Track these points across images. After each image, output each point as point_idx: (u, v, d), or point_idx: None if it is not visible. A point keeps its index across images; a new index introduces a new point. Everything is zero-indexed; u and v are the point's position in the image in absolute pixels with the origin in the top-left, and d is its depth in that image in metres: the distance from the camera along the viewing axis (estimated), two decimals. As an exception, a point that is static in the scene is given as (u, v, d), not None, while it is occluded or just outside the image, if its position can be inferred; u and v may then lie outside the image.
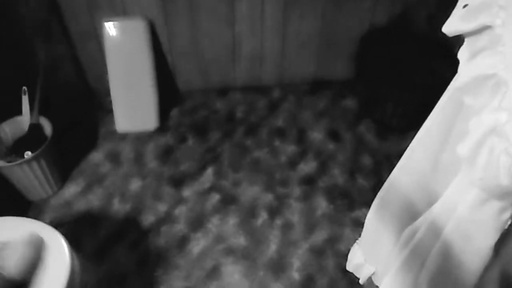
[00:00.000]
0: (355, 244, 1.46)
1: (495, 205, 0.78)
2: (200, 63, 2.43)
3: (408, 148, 1.05)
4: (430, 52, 2.25)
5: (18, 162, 1.79)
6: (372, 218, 1.27)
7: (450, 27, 0.79)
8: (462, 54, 0.81)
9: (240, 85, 2.56)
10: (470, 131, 0.75)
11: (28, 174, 1.86)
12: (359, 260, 1.39)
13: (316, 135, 2.28)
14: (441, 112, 0.91)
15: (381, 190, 1.23)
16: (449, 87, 0.89)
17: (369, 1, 2.28)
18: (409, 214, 1.05)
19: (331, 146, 2.22)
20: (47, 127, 1.95)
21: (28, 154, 1.83)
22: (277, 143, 2.23)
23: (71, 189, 2.02)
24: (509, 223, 0.81)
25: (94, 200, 1.97)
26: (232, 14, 2.24)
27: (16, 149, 1.91)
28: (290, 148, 2.21)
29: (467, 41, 0.81)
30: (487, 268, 0.89)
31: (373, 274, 1.38)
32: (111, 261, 1.74)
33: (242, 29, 2.31)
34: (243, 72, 2.51)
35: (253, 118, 2.38)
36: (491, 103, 0.72)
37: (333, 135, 2.28)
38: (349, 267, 1.48)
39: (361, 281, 1.41)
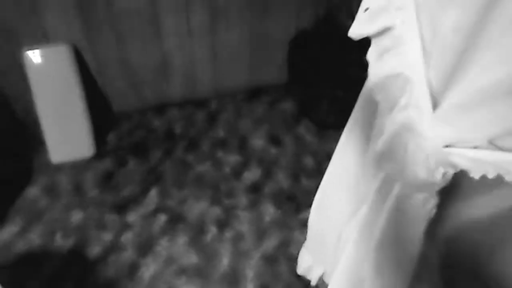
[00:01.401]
0: (302, 248, 1.48)
1: (418, 196, 0.81)
2: (132, 83, 2.39)
3: (336, 149, 1.07)
4: (358, 47, 2.33)
5: None
6: (313, 220, 1.29)
7: (354, 31, 0.82)
8: (370, 55, 0.84)
9: (176, 100, 2.53)
10: (385, 129, 0.78)
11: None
12: (308, 262, 1.40)
13: (258, 142, 2.30)
14: (360, 112, 0.94)
15: (317, 192, 1.25)
16: (364, 87, 0.92)
17: (292, 7, 2.33)
18: (346, 213, 1.07)
19: (273, 151, 2.25)
20: (-27, 169, 1.84)
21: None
22: (219, 154, 2.23)
23: (8, 230, 1.91)
24: (434, 211, 0.85)
25: (34, 238, 1.87)
26: (158, 32, 2.22)
27: None
28: (233, 158, 2.21)
29: (373, 42, 0.84)
30: (425, 253, 0.93)
31: (323, 274, 1.40)
32: (58, 300, 1.67)
33: (170, 45, 2.29)
34: (177, 87, 2.49)
35: (192, 132, 2.36)
36: (400, 101, 0.75)
37: (274, 140, 2.31)
38: (300, 270, 1.50)
39: (312, 283, 1.43)
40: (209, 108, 2.51)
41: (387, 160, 0.79)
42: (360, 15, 0.82)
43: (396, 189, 0.82)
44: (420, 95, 0.73)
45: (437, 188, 0.80)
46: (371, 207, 0.92)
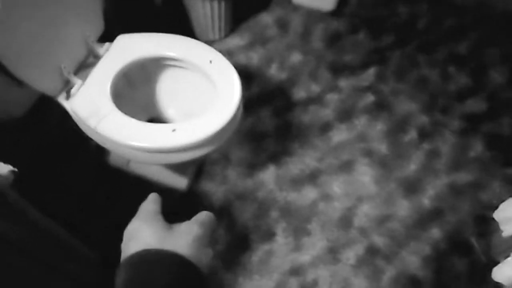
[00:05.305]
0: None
1: None
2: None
3: None
4: None
5: (203, -5, 1.83)
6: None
7: None
8: None
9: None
10: None
11: (206, 11, 1.91)
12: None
13: (497, 77, 2.02)
14: None
15: None
16: None
17: None
18: None
19: (510, 94, 1.97)
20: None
21: (213, -9, 1.86)
22: (451, 69, 2.03)
23: (235, 40, 2.06)
24: None
25: (254, 58, 1.99)
26: None
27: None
28: (464, 80, 2.00)
29: None
30: None
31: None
32: (254, 119, 1.79)
33: None
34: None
35: (433, 35, 2.15)
36: None
37: (518, 83, 2.01)
38: (497, 215, 1.36)
39: (505, 233, 1.30)
40: (463, 18, 2.23)
41: None
42: None
43: None
44: None
45: None
46: None
